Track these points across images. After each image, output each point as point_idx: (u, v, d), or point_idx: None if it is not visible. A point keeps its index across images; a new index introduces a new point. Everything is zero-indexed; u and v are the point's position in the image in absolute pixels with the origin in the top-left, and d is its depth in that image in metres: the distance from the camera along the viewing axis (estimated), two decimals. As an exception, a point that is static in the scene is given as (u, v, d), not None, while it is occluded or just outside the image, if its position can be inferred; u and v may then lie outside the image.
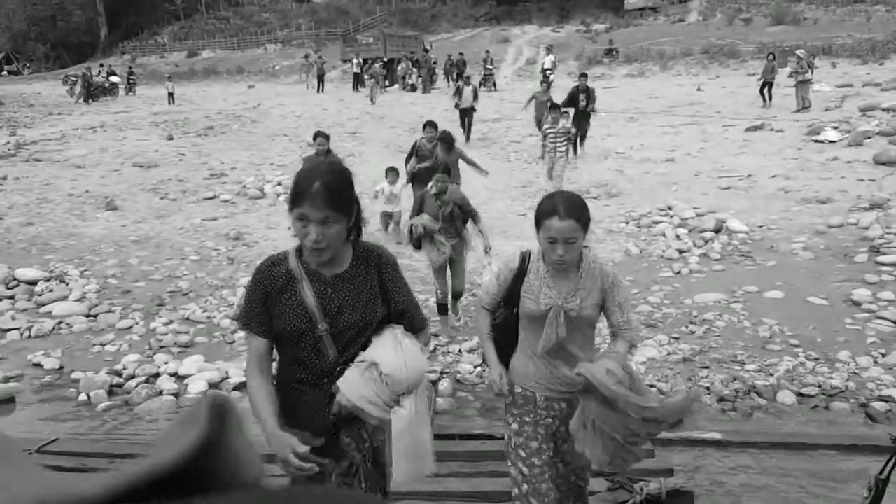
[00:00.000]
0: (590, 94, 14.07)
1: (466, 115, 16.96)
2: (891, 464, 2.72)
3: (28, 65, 57.54)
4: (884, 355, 5.56)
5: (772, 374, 5.34)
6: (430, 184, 6.21)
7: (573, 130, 12.05)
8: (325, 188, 2.05)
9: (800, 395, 5.12)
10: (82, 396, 5.59)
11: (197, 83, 39.32)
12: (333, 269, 2.29)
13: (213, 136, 18.74)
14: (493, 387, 2.91)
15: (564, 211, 2.59)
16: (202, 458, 0.27)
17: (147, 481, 0.25)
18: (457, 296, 6.55)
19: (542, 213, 2.65)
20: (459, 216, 6.18)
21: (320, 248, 2.10)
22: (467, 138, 16.32)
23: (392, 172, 9.78)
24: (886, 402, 4.93)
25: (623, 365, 2.62)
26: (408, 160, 9.20)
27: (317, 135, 8.40)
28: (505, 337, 2.94)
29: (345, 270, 2.29)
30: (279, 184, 12.65)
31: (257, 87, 35.65)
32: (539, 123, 13.41)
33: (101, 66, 36.26)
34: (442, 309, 6.43)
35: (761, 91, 18.95)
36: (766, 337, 5.98)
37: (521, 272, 2.85)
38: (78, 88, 30.46)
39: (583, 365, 2.59)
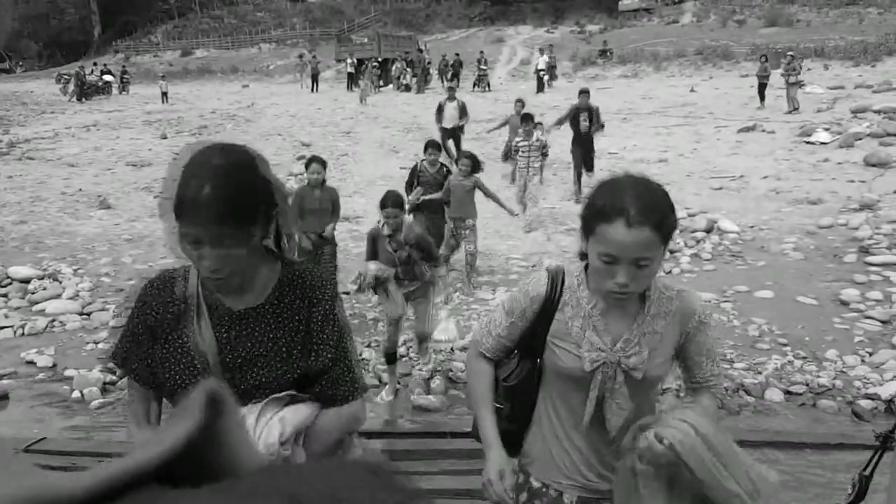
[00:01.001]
0: (593, 114, 11.28)
1: (452, 136, 13.98)
2: (874, 460, 2.76)
3: (21, 63, 57.32)
4: (871, 354, 5.63)
5: (760, 373, 5.40)
6: (381, 221, 5.28)
7: (548, 144, 10.21)
8: (217, 196, 1.45)
9: (787, 392, 5.19)
10: (76, 394, 5.61)
11: (191, 82, 39.26)
12: (244, 300, 1.65)
13: (207, 136, 18.73)
14: (490, 491, 1.94)
15: (638, 212, 1.62)
16: (197, 448, 0.26)
17: (132, 477, 0.24)
18: (422, 339, 5.75)
19: (598, 214, 1.69)
20: (418, 258, 5.33)
21: (220, 278, 1.54)
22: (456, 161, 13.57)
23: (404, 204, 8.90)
24: (872, 399, 5.00)
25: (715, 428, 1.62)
26: (408, 187, 7.64)
27: (311, 160, 6.75)
28: (517, 405, 1.99)
29: (261, 304, 1.65)
30: (273, 183, 12.67)
31: (251, 87, 35.63)
32: (507, 155, 10.68)
33: (95, 64, 36.19)
34: (390, 359, 5.60)
35: (759, 92, 19.06)
36: (755, 336, 6.04)
37: (548, 305, 1.89)
38: (71, 87, 30.39)
39: (662, 428, 1.46)
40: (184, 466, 0.26)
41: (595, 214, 1.70)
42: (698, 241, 8.64)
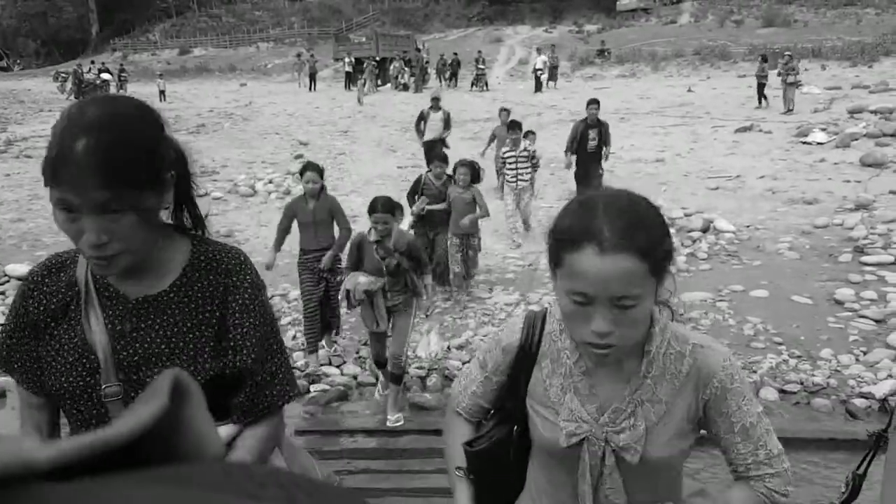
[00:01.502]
0: (603, 132, 9.68)
1: (433, 150, 10.83)
2: (868, 459, 2.78)
3: (18, 61, 57.25)
4: (865, 353, 5.66)
5: (755, 371, 5.43)
6: (370, 227, 4.90)
7: (538, 155, 9.50)
8: (94, 150, 1.16)
9: (782, 391, 5.21)
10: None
11: (188, 81, 39.22)
12: (143, 286, 1.36)
13: (204, 134, 18.74)
14: None
15: (614, 234, 1.24)
16: (161, 431, 0.26)
17: (100, 450, 0.24)
18: (396, 377, 5.08)
19: (565, 240, 1.30)
20: (409, 266, 4.94)
21: (105, 257, 1.24)
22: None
23: (396, 210, 7.96)
24: (866, 398, 5.02)
25: None
26: (411, 198, 7.32)
27: (306, 168, 5.90)
28: (493, 477, 1.62)
29: (163, 291, 1.36)
30: (270, 181, 12.69)
31: (249, 86, 35.61)
32: (500, 170, 9.81)
33: (92, 62, 36.16)
34: (381, 364, 5.25)
35: (758, 92, 19.09)
36: (750, 335, 6.07)
37: (524, 358, 1.52)
38: (69, 85, 30.38)
39: None
40: (146, 449, 0.25)
41: (561, 240, 1.30)
42: (694, 241, 8.67)
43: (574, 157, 9.80)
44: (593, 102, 9.70)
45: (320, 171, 5.83)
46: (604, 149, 9.80)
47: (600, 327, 1.26)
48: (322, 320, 5.91)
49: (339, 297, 5.13)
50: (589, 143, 9.62)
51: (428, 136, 11.98)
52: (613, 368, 1.42)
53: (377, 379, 5.61)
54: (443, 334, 6.30)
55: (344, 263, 5.27)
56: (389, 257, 4.84)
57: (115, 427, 0.25)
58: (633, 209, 1.29)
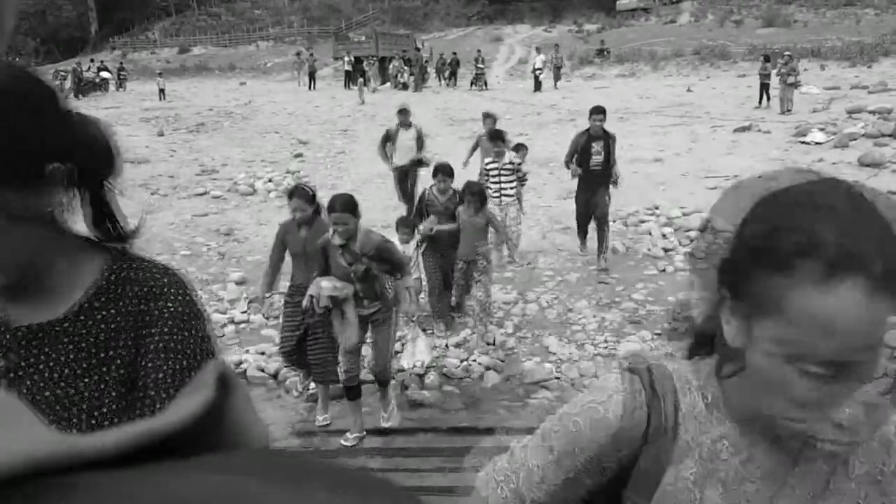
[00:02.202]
0: (610, 144, 7.92)
1: (407, 178, 9.55)
2: None
3: (18, 59, 57.24)
4: (861, 352, 5.69)
5: (751, 370, 5.46)
6: (332, 230, 4.43)
7: (525, 170, 8.19)
8: None
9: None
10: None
11: (188, 79, 39.25)
12: (32, 310, 1.05)
13: (204, 133, 18.76)
14: None
15: (888, 261, 0.74)
16: (207, 423, 0.26)
17: (146, 441, 0.24)
18: (382, 382, 4.84)
19: (784, 264, 0.78)
20: (380, 271, 4.53)
21: None
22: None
23: (404, 228, 6.49)
24: (862, 397, 5.05)
25: None
26: (419, 218, 6.49)
27: (293, 193, 5.13)
28: None
29: (56, 319, 1.04)
30: (270, 180, 12.73)
31: (249, 84, 35.63)
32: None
33: (92, 61, 36.17)
34: (352, 393, 4.71)
35: (761, 92, 19.11)
36: (747, 334, 6.10)
37: (634, 439, 0.96)
38: (68, 84, 30.37)
39: None
40: (191, 442, 0.26)
41: (773, 264, 0.80)
42: (692, 240, 8.68)
43: (578, 170, 7.89)
44: (598, 112, 7.90)
45: (309, 197, 5.01)
46: (614, 173, 8.00)
47: (854, 418, 0.79)
48: (301, 365, 5.23)
49: (303, 305, 4.53)
50: (592, 159, 7.77)
51: (399, 161, 9.38)
52: (808, 469, 0.92)
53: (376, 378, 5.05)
54: (431, 341, 5.80)
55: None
56: (356, 263, 4.42)
57: (161, 418, 0.25)
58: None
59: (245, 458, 0.26)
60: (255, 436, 0.30)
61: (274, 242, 5.26)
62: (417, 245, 6.41)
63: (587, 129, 7.89)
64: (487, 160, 7.94)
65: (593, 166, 7.80)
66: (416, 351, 5.35)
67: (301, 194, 5.03)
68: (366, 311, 4.60)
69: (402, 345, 5.47)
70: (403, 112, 9.27)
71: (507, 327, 6.49)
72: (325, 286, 4.40)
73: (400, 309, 4.77)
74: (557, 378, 5.54)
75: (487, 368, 5.73)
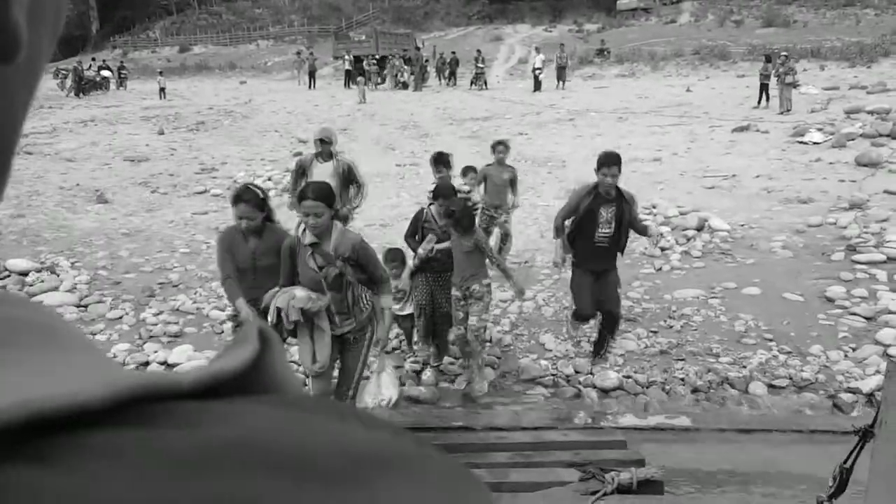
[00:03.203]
0: (624, 210, 5.37)
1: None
2: (854, 453, 2.85)
3: (19, 58, 57.24)
4: (854, 349, 5.74)
5: (745, 367, 5.51)
6: (300, 226, 4.02)
7: (474, 197, 6.78)
8: None
9: (771, 386, 5.30)
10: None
11: (188, 78, 39.30)
12: None
13: (204, 132, 18.81)
14: None
15: None
16: (255, 370, 0.30)
17: (220, 381, 0.28)
18: None
19: None
20: (356, 279, 3.95)
21: None
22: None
23: (393, 262, 5.61)
24: (853, 393, 5.11)
25: None
26: (410, 239, 5.64)
27: (237, 198, 4.28)
28: None
29: None
30: (269, 179, 12.76)
31: (249, 83, 35.68)
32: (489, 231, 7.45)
33: (93, 60, 36.20)
34: None
35: (760, 92, 19.15)
36: (741, 331, 6.15)
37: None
38: (69, 82, 30.44)
39: None
40: (244, 385, 0.29)
41: None
42: (689, 239, 8.74)
43: (564, 245, 5.59)
44: (610, 163, 5.17)
45: (259, 201, 4.23)
46: (623, 240, 5.48)
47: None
48: None
49: (269, 319, 3.87)
50: (599, 231, 5.34)
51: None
52: None
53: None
54: (398, 377, 4.88)
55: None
56: (329, 266, 3.84)
57: (219, 363, 0.29)
58: None
59: (292, 398, 0.30)
60: (292, 384, 0.33)
61: (219, 255, 4.32)
62: (412, 274, 5.58)
63: (594, 187, 5.28)
64: (431, 185, 6.31)
65: (599, 240, 5.33)
66: (381, 386, 4.37)
67: (249, 198, 4.19)
68: (337, 329, 3.96)
69: (367, 375, 4.50)
70: (324, 142, 6.62)
71: (503, 324, 6.53)
72: (299, 296, 3.77)
73: (374, 335, 4.16)
74: (553, 375, 5.59)
75: (486, 365, 5.77)
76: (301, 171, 6.86)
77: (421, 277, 5.59)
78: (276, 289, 4.01)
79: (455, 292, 5.27)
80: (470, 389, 5.36)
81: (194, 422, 0.25)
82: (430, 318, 5.65)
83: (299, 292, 3.83)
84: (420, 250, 5.42)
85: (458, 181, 6.62)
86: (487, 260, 5.23)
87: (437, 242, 5.38)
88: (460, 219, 5.01)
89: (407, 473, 0.26)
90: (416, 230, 5.56)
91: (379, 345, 4.26)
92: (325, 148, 6.65)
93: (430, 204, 5.60)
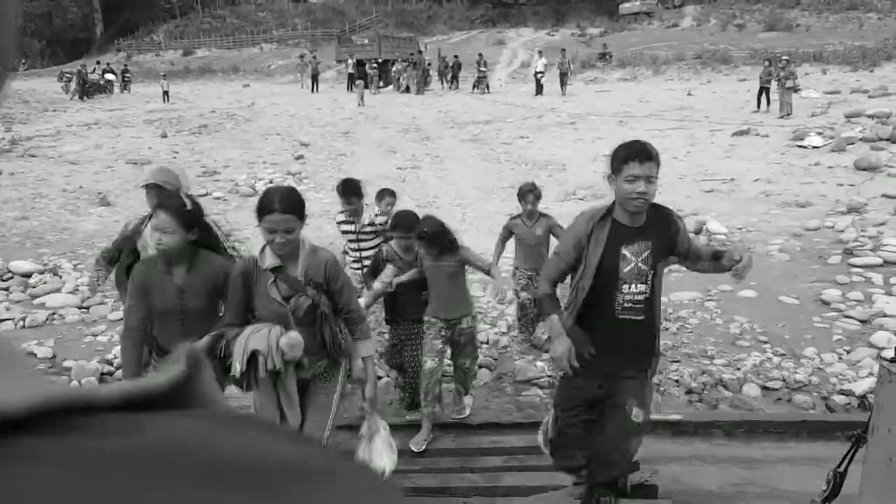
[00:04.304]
0: (666, 246, 3.18)
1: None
2: (848, 457, 2.89)
3: (23, 61, 57.51)
4: (848, 352, 5.78)
5: (739, 369, 5.55)
6: (262, 247, 3.07)
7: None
8: None
9: (764, 388, 5.33)
10: (74, 384, 5.77)
11: (192, 82, 39.44)
12: None
13: (206, 135, 18.91)
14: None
15: None
16: (182, 388, 0.33)
17: (147, 396, 0.30)
18: None
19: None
20: (331, 312, 3.14)
21: None
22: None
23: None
24: (846, 395, 5.15)
25: None
26: (371, 277, 4.75)
27: (160, 206, 3.20)
28: None
29: None
30: (271, 182, 12.83)
31: (252, 87, 35.81)
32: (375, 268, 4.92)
33: (97, 63, 36.36)
34: None
35: (759, 96, 19.19)
36: (736, 333, 6.19)
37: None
38: (73, 85, 30.60)
39: None
40: (170, 401, 0.32)
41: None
42: (687, 242, 8.78)
43: (568, 328, 3.26)
44: (642, 156, 3.15)
45: (185, 214, 3.10)
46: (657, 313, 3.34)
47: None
48: None
49: (234, 371, 2.93)
50: (624, 291, 3.17)
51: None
52: None
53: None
54: (393, 442, 3.50)
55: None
56: (299, 295, 3.06)
57: (148, 380, 0.31)
58: None
59: (217, 413, 0.33)
60: (219, 403, 0.37)
61: (128, 297, 3.30)
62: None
63: (608, 211, 3.20)
64: (339, 217, 5.47)
65: (624, 308, 3.19)
66: (373, 453, 3.34)
67: (170, 205, 3.11)
68: (306, 372, 3.17)
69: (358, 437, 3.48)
70: (156, 188, 3.92)
71: (500, 326, 6.58)
72: (293, 339, 2.96)
73: (349, 368, 3.39)
74: (549, 376, 5.63)
75: (480, 366, 5.82)
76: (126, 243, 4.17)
77: (391, 331, 4.80)
78: (229, 329, 3.07)
79: (436, 325, 4.47)
80: (455, 412, 4.89)
81: (115, 431, 0.26)
82: (412, 380, 4.83)
83: (293, 336, 2.98)
84: (377, 284, 4.52)
85: (373, 210, 5.43)
86: (481, 271, 4.64)
87: (399, 273, 4.56)
88: (435, 239, 4.23)
89: (329, 483, 0.27)
90: (377, 269, 4.68)
91: (369, 405, 3.34)
92: (163, 198, 3.51)
93: (390, 240, 4.75)
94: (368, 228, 5.31)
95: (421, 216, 4.60)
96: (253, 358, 2.94)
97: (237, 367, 2.94)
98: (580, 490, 3.76)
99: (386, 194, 5.74)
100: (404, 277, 4.54)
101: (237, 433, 0.29)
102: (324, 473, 0.28)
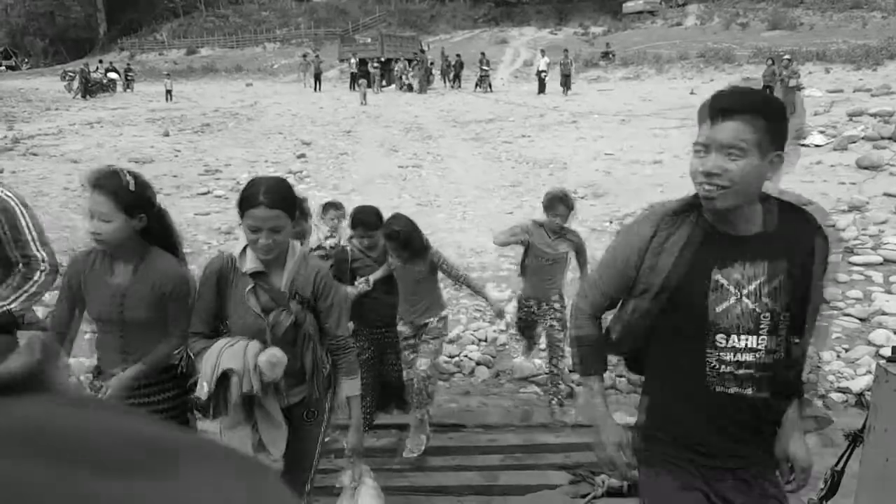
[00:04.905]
0: (802, 273, 1.95)
1: None
2: (845, 456, 2.88)
3: (26, 60, 57.67)
4: (847, 350, 5.77)
5: (737, 367, 5.54)
6: (242, 246, 2.61)
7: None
8: None
9: (762, 386, 5.32)
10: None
11: (195, 81, 39.50)
12: None
13: (208, 134, 18.93)
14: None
15: None
16: (32, 375, 0.34)
17: (10, 380, 0.32)
18: None
19: None
20: (317, 336, 2.65)
21: None
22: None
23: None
24: (844, 393, 5.14)
25: None
26: (337, 281, 3.42)
27: (96, 183, 2.50)
28: None
29: None
30: (272, 180, 12.87)
31: (255, 86, 35.85)
32: (529, 325, 5.20)
33: (100, 62, 36.43)
34: None
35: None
36: (735, 332, 6.18)
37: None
38: (76, 84, 30.65)
39: None
40: (21, 387, 0.33)
41: None
42: (687, 241, 8.76)
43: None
44: (739, 109, 1.81)
45: (129, 196, 2.51)
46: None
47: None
48: None
49: (200, 392, 2.46)
50: (723, 344, 1.88)
51: None
52: None
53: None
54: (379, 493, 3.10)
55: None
56: (280, 308, 2.54)
57: (6, 364, 0.33)
58: None
59: (73, 396, 0.34)
60: (68, 388, 0.38)
61: (60, 290, 2.77)
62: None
63: (688, 205, 1.98)
64: (320, 241, 4.72)
65: (722, 378, 1.90)
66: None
67: (107, 185, 2.49)
68: (281, 400, 2.64)
69: (337, 488, 3.09)
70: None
71: (499, 324, 6.58)
72: (261, 361, 2.45)
73: (335, 403, 2.87)
74: (547, 373, 5.63)
75: (478, 364, 5.83)
76: None
77: (361, 337, 4.19)
78: (194, 340, 2.63)
79: (402, 328, 4.23)
80: (403, 446, 4.25)
81: None
82: (379, 395, 4.47)
83: (262, 358, 2.46)
84: (350, 290, 4.07)
85: (321, 231, 4.73)
86: (453, 281, 4.26)
87: (363, 278, 4.18)
88: (408, 240, 3.91)
89: (195, 461, 0.28)
90: (344, 274, 4.17)
91: (352, 454, 2.86)
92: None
93: (352, 238, 4.30)
94: (319, 252, 4.40)
95: (388, 214, 4.22)
96: (224, 378, 2.44)
97: (205, 387, 2.44)
98: (575, 489, 3.75)
99: (330, 208, 4.85)
100: (379, 274, 4.21)
101: (93, 413, 0.30)
102: (196, 452, 0.28)
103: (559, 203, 4.66)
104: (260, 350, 2.51)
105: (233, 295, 2.61)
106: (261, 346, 2.53)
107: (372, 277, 4.17)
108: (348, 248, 4.32)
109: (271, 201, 2.42)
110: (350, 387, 2.76)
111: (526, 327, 5.18)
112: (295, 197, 2.64)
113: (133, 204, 2.52)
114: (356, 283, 4.16)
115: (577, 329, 2.22)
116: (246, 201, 2.47)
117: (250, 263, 2.57)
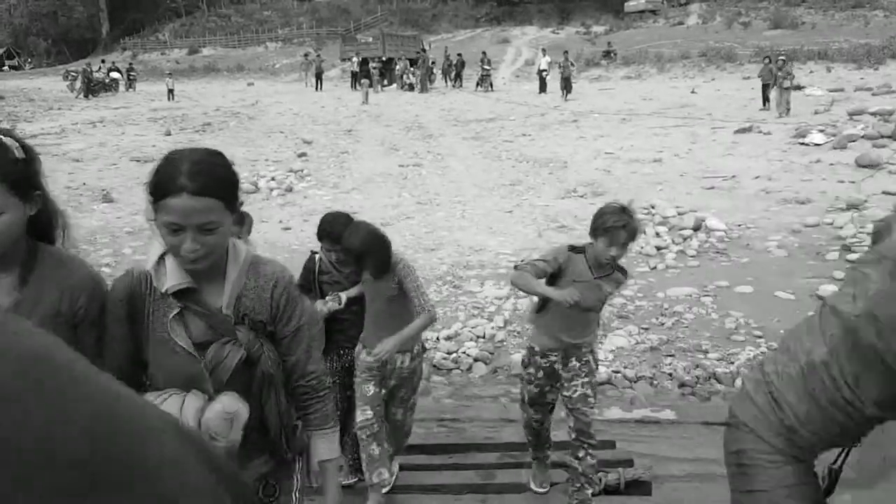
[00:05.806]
0: None
1: None
2: (843, 454, 2.92)
3: (29, 60, 57.82)
4: (842, 347, 5.79)
5: (732, 363, 5.57)
6: (159, 253, 1.84)
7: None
8: None
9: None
10: None
11: (197, 80, 39.58)
12: None
13: (210, 133, 19.00)
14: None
15: None
16: None
17: None
18: None
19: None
20: (280, 376, 1.81)
21: None
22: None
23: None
24: (839, 389, 5.17)
25: None
26: (303, 292, 2.61)
27: None
28: None
29: None
30: (273, 179, 12.90)
31: (256, 85, 35.91)
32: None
33: (103, 61, 36.52)
34: None
35: (763, 94, 19.15)
36: (731, 328, 6.21)
37: None
38: (78, 84, 30.73)
39: None
40: None
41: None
42: (685, 239, 8.79)
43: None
44: None
45: (11, 167, 1.66)
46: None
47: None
48: None
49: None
50: None
51: None
52: None
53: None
54: None
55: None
56: (222, 340, 1.75)
57: None
58: None
59: None
60: None
61: None
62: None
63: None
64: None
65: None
66: None
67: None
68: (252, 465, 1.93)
69: None
70: None
71: (497, 321, 6.61)
72: (226, 410, 1.68)
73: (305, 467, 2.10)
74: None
75: (476, 360, 5.86)
76: None
77: (331, 358, 3.69)
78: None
79: (366, 358, 3.42)
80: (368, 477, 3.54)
81: None
82: (343, 423, 3.52)
83: (226, 402, 1.70)
84: (320, 305, 3.54)
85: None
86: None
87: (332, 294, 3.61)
88: (364, 256, 3.30)
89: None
90: (310, 284, 3.69)
91: None
92: None
93: (321, 250, 3.76)
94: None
95: (354, 220, 3.60)
96: None
97: None
98: (573, 488, 3.74)
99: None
100: (354, 292, 3.59)
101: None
102: None
103: (620, 230, 3.16)
104: (204, 405, 1.69)
105: (151, 328, 1.76)
106: (203, 398, 1.71)
107: (345, 295, 3.58)
108: (317, 255, 3.75)
109: (199, 186, 1.62)
110: (325, 447, 1.91)
111: (539, 395, 3.60)
112: (234, 175, 1.78)
113: (26, 182, 1.69)
114: (326, 298, 3.59)
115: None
116: (160, 187, 1.66)
117: (173, 279, 1.77)
